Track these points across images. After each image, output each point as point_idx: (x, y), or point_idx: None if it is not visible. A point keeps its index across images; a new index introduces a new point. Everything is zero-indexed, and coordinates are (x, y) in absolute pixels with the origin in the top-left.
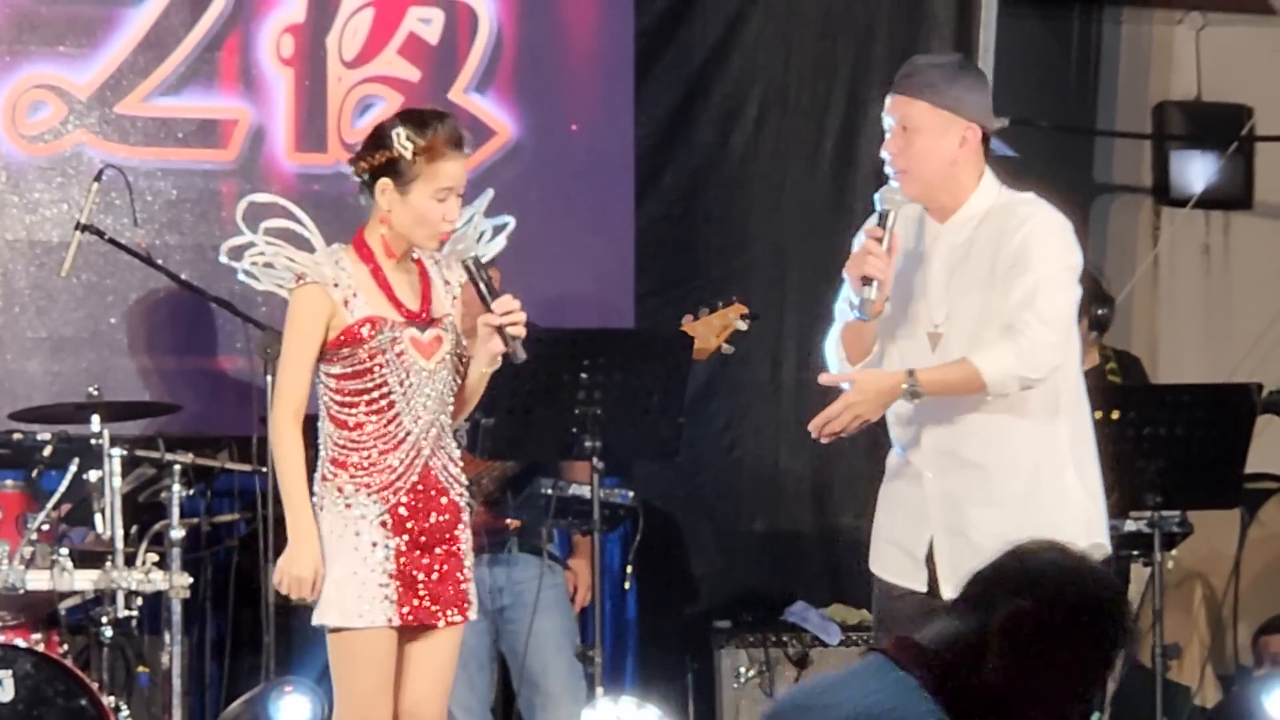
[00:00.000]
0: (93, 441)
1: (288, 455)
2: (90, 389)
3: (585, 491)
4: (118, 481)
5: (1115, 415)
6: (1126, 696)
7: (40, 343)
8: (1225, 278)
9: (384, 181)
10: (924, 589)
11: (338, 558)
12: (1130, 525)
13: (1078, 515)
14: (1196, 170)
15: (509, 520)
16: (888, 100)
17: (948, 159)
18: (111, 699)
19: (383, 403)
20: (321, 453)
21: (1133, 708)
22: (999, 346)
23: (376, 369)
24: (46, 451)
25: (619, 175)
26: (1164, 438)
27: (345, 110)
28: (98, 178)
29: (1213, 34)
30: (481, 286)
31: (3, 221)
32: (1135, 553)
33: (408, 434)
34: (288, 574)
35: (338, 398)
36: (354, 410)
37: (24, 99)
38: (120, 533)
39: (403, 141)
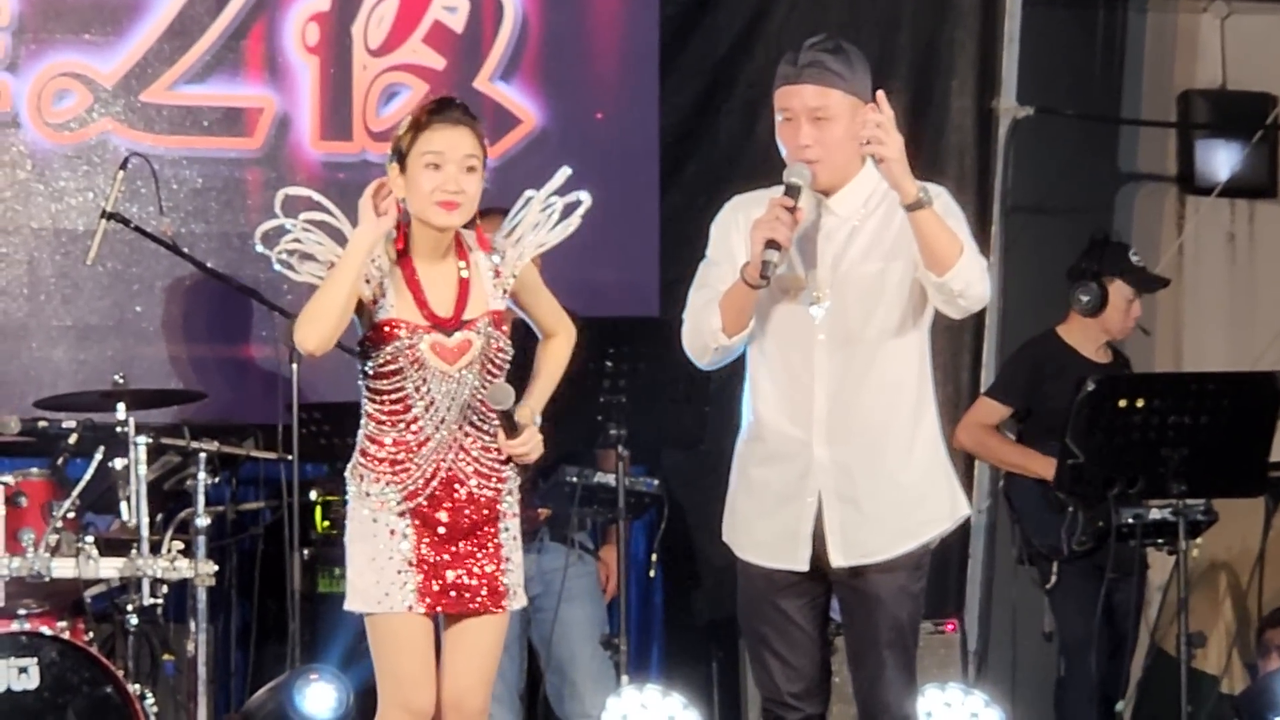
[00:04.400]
0: (118, 429)
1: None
2: (116, 377)
3: (610, 479)
4: (143, 469)
5: (1140, 404)
6: (1151, 684)
7: (66, 331)
8: (1250, 266)
9: (393, 166)
10: (805, 567)
11: (358, 543)
12: (1155, 514)
13: (951, 489)
14: (1221, 159)
15: (540, 510)
16: (791, 89)
17: (857, 143)
18: (137, 687)
19: (399, 405)
20: (356, 444)
21: (1158, 695)
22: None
23: (394, 373)
24: (72, 439)
25: (644, 164)
26: (1188, 426)
27: (370, 98)
28: (123, 166)
29: (1238, 23)
30: (504, 423)
31: (29, 210)
32: (1160, 541)
33: (428, 439)
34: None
35: (369, 393)
36: (379, 407)
37: (49, 87)
38: (145, 520)
39: (403, 125)
